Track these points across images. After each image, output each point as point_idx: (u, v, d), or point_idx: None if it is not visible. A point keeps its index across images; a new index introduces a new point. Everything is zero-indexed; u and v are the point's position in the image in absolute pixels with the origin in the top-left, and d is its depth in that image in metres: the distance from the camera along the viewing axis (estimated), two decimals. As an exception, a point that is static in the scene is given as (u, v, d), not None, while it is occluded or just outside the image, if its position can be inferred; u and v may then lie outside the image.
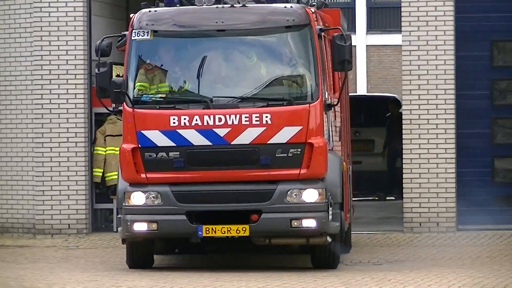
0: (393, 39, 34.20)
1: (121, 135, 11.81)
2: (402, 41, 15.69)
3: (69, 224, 15.71)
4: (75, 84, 15.84)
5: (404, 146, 15.50)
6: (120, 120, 12.40)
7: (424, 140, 15.32)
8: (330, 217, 9.99)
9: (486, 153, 15.80)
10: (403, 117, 15.74)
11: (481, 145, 15.79)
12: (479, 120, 15.78)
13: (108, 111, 11.62)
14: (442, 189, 15.32)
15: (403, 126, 15.40)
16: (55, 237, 15.54)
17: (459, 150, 15.52)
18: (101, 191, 16.85)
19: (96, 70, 10.31)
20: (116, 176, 12.44)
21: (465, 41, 15.54)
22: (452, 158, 15.26)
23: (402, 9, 15.59)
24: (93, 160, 16.10)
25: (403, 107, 16.62)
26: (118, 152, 11.76)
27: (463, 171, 15.58)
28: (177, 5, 10.39)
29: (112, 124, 16.30)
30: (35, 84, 15.81)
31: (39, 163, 15.87)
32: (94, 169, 16.26)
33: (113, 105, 10.70)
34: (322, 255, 10.44)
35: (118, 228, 10.85)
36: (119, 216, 10.55)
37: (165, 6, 10.34)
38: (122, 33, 10.60)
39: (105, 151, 16.46)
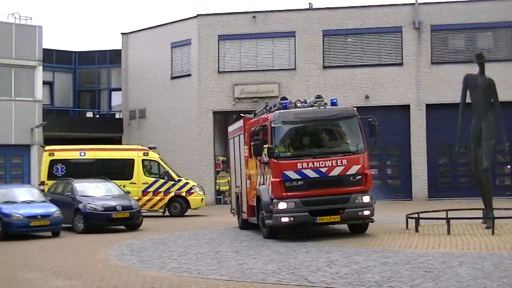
0: None
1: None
2: None
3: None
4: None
5: None
6: (225, 174, 34.83)
7: None
8: (374, 209, 18.75)
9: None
10: None
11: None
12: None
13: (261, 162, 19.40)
14: None
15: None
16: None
17: None
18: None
19: (253, 143, 18.82)
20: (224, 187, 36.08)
21: None
22: None
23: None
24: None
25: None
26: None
27: None
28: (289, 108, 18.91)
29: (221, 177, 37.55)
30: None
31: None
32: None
33: (265, 159, 18.52)
34: (362, 226, 19.17)
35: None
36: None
37: (283, 108, 18.74)
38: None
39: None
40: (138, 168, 31.16)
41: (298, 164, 18.34)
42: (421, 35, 37.93)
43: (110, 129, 45.32)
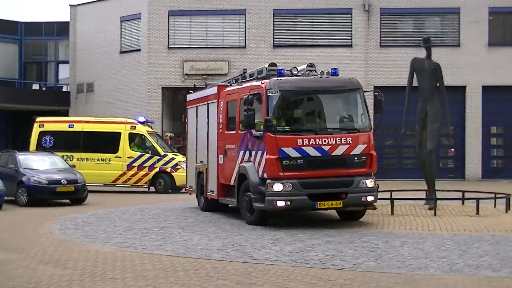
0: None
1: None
2: None
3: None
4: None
5: None
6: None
7: None
8: (377, 194, 17.15)
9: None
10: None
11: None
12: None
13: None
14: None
15: None
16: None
17: None
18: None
19: (245, 113, 16.14)
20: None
21: None
22: None
23: None
24: None
25: None
26: None
27: None
28: (286, 76, 16.90)
29: None
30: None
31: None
32: None
33: (256, 132, 16.39)
34: (359, 213, 17.35)
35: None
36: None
37: (278, 76, 16.64)
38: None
39: None
40: (124, 141, 30.82)
41: (298, 140, 16.20)
42: (370, 17, 38.57)
43: (57, 102, 45.02)
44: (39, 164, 25.53)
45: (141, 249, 14.51)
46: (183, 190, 26.95)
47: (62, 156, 29.29)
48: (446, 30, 39.30)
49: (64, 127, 31.95)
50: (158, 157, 30.17)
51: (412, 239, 14.99)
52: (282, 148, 15.97)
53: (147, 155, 30.31)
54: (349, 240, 15.21)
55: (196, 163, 21.41)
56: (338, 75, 17.30)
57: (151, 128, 32.06)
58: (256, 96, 16.44)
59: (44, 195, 24.25)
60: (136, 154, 30.48)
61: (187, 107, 22.94)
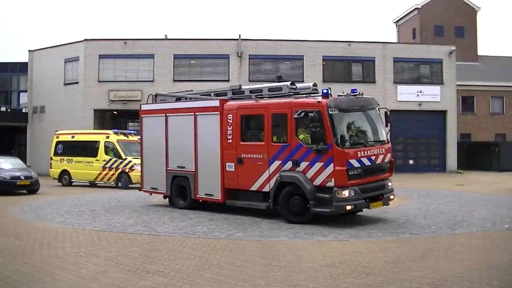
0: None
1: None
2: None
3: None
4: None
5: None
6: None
7: None
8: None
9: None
10: None
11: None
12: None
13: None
14: None
15: None
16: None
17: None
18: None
19: (313, 129, 15.89)
20: None
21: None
22: None
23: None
24: None
25: None
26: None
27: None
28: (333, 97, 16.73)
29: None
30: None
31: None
32: None
33: (320, 146, 16.13)
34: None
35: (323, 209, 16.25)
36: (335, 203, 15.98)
37: (323, 96, 16.59)
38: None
39: None
40: (101, 148, 32.69)
41: (358, 152, 16.38)
42: (242, 61, 44.34)
43: (18, 120, 48.50)
44: (4, 165, 27.96)
45: (76, 226, 15.68)
46: (132, 186, 30.01)
47: (66, 159, 33.24)
48: (294, 70, 45.05)
49: (69, 137, 34.38)
50: (121, 160, 31.88)
51: (273, 216, 17.22)
52: (349, 160, 16.08)
53: (114, 159, 32.14)
54: (225, 218, 17.41)
55: (168, 168, 20.87)
56: (331, 95, 17.06)
57: (127, 137, 33.27)
58: (315, 114, 16.08)
59: (8, 187, 26.57)
60: (107, 158, 32.46)
61: (144, 116, 22.00)
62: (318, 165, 16.20)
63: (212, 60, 44.78)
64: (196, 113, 19.64)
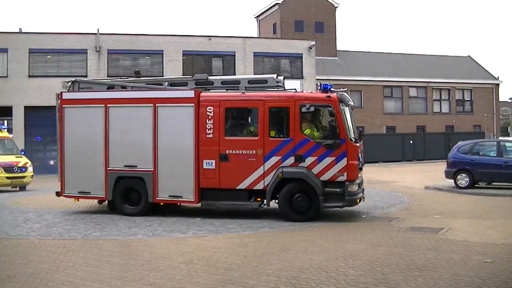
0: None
1: None
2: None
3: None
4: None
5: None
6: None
7: None
8: None
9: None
10: None
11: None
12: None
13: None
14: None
15: None
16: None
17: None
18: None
19: (332, 123, 16.27)
20: None
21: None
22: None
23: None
24: None
25: None
26: None
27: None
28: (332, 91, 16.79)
29: None
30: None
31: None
32: None
33: (331, 141, 16.34)
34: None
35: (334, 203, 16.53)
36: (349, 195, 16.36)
37: (323, 90, 16.67)
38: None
39: None
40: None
41: (360, 147, 17.12)
42: (100, 56, 44.40)
43: None
44: None
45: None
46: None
47: None
48: (154, 65, 46.07)
49: None
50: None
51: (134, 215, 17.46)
52: (358, 155, 16.67)
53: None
54: (81, 217, 17.42)
55: (109, 168, 18.28)
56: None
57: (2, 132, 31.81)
58: (327, 109, 16.49)
59: None
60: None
61: (66, 107, 18.83)
62: (328, 160, 16.21)
63: (70, 55, 44.73)
64: (157, 104, 17.70)
